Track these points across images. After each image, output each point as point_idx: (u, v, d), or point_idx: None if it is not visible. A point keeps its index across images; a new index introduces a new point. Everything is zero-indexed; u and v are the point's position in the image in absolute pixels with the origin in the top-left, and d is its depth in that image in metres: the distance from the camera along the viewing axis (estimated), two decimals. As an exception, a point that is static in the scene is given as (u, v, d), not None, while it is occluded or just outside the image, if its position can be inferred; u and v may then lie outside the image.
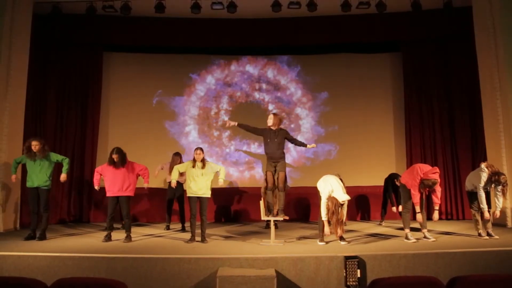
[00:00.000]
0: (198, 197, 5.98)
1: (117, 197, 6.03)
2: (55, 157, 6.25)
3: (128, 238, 6.00)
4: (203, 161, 5.99)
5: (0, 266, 4.79)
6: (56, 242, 5.92)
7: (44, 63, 8.32)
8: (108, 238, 5.98)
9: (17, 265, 4.78)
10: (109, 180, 6.02)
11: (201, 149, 6.05)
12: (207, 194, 6.00)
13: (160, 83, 8.92)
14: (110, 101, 8.84)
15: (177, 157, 7.36)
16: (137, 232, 6.84)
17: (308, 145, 6.45)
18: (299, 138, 8.88)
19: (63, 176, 6.32)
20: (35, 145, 6.04)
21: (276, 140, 6.13)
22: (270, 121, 6.23)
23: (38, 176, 6.07)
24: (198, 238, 5.96)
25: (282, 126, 6.44)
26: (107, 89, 8.80)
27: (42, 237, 6.04)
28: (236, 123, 6.57)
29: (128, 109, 8.82)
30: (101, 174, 6.14)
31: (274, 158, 6.25)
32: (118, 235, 6.22)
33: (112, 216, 6.07)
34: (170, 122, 8.90)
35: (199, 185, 5.92)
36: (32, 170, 6.10)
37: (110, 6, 7.77)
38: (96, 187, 6.21)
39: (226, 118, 8.93)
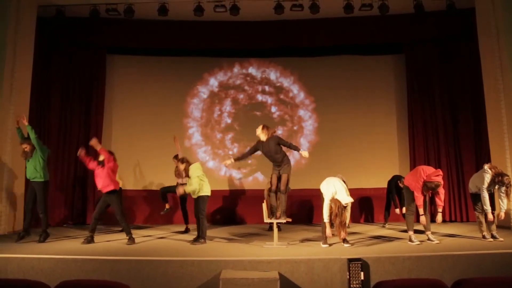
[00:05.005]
0: (194, 198, 6.19)
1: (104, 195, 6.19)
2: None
3: (131, 240, 5.99)
4: (185, 169, 6.26)
5: (4, 268, 4.80)
6: (60, 245, 5.93)
7: (48, 65, 8.35)
8: (87, 240, 5.97)
9: (21, 267, 4.79)
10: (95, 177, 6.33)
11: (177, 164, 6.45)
12: (198, 195, 6.10)
13: (163, 85, 8.93)
14: (113, 103, 8.88)
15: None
16: (140, 234, 6.84)
17: (301, 151, 6.20)
18: (302, 140, 8.87)
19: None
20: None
21: (269, 148, 6.20)
22: (257, 132, 6.31)
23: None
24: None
25: (280, 131, 6.38)
26: (110, 91, 8.83)
27: (41, 238, 6.04)
28: (232, 160, 6.55)
29: (131, 111, 8.85)
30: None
31: (276, 163, 6.33)
32: (121, 237, 6.23)
33: (96, 217, 6.13)
34: (173, 124, 8.89)
35: (190, 188, 6.12)
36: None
37: (113, 9, 7.80)
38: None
39: (229, 121, 8.96)
